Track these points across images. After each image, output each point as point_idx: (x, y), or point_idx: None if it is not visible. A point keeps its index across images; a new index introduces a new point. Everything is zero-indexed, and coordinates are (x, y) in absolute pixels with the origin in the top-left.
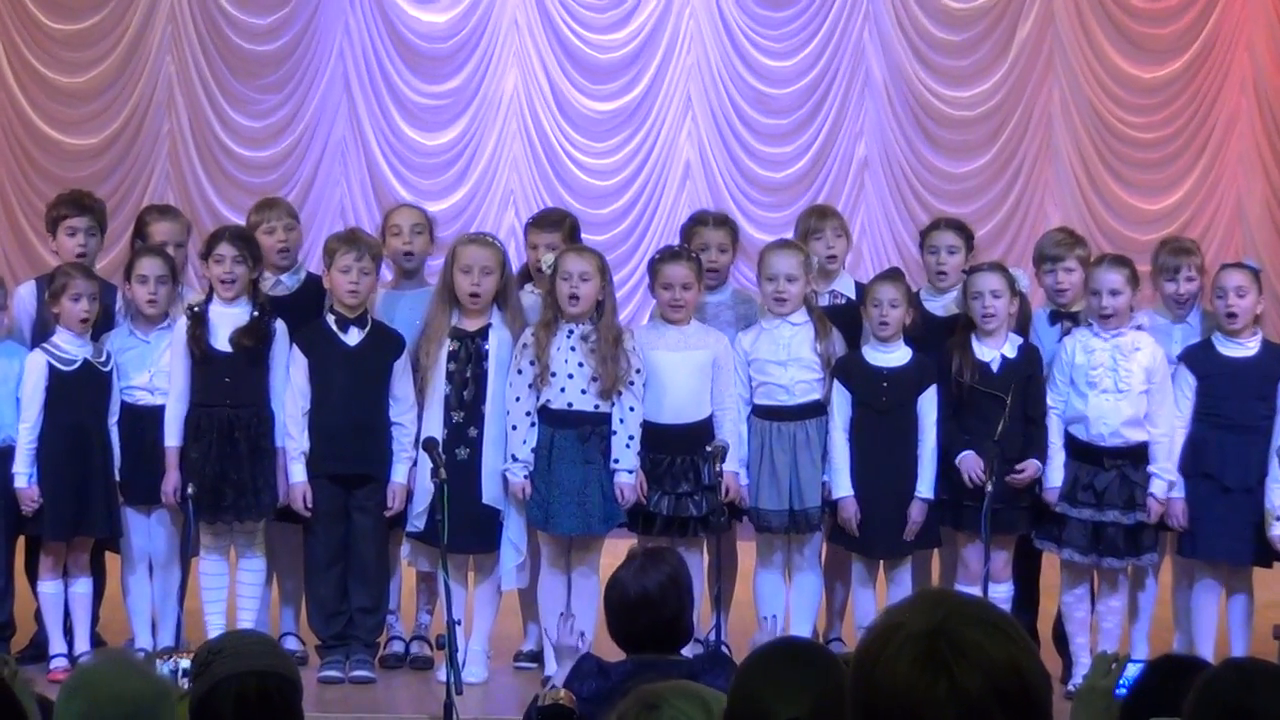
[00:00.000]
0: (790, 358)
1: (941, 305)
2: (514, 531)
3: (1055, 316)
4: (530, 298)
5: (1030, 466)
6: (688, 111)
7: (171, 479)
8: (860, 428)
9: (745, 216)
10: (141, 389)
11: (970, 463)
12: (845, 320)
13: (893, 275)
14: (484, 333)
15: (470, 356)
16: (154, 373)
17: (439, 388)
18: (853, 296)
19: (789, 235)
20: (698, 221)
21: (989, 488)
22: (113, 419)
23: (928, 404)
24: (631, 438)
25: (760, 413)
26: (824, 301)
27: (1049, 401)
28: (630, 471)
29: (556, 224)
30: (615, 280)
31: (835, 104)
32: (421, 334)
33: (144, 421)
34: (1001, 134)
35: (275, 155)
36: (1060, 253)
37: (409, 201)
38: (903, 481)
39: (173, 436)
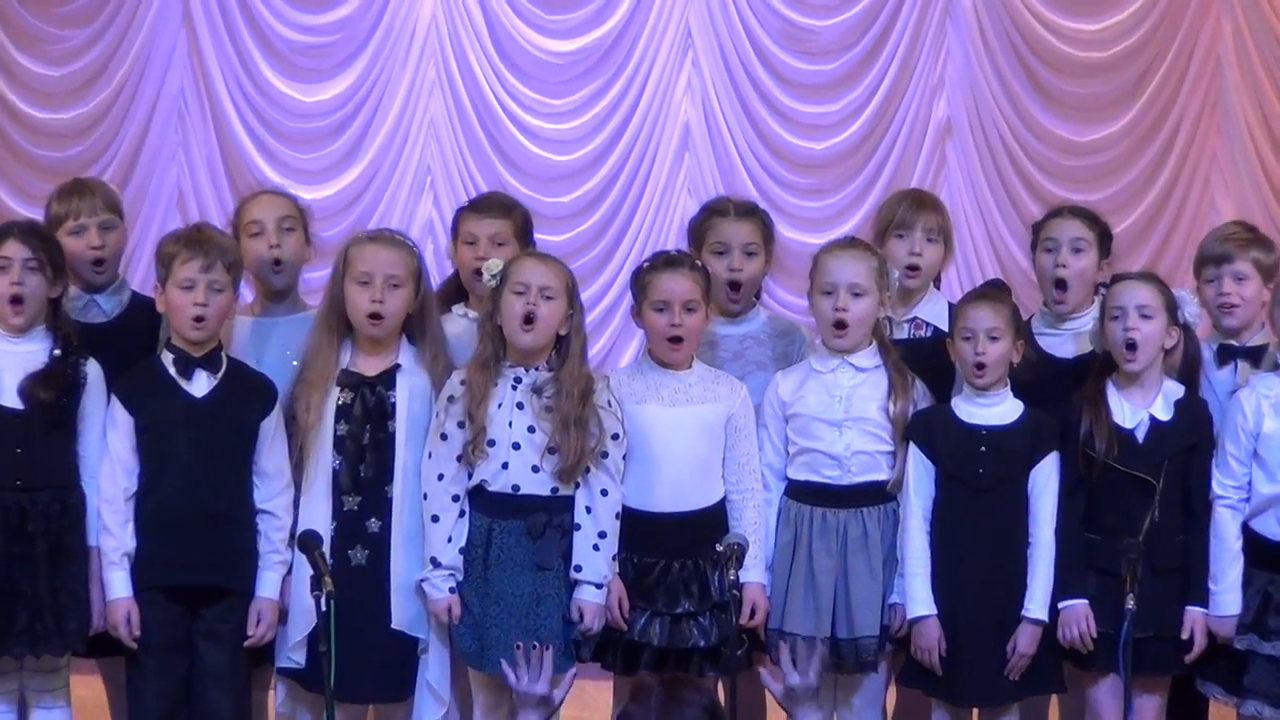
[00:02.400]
0: (848, 416)
1: (1066, 339)
2: (435, 671)
3: (1225, 354)
4: (460, 324)
5: (1194, 621)
6: (687, 52)
7: None
8: (946, 514)
9: (771, 207)
10: None
11: (1076, 618)
12: (931, 362)
13: (992, 294)
14: (389, 377)
15: (369, 413)
16: None
17: (324, 459)
18: (943, 327)
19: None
20: (713, 211)
21: (1129, 605)
22: None
23: (1044, 481)
24: (603, 535)
25: (797, 492)
26: (900, 335)
27: (1216, 487)
28: (599, 585)
29: (506, 209)
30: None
31: (903, 42)
32: (297, 379)
33: None
34: (1147, 85)
35: (82, 118)
36: (1228, 251)
37: (276, 186)
38: (1006, 594)
39: None
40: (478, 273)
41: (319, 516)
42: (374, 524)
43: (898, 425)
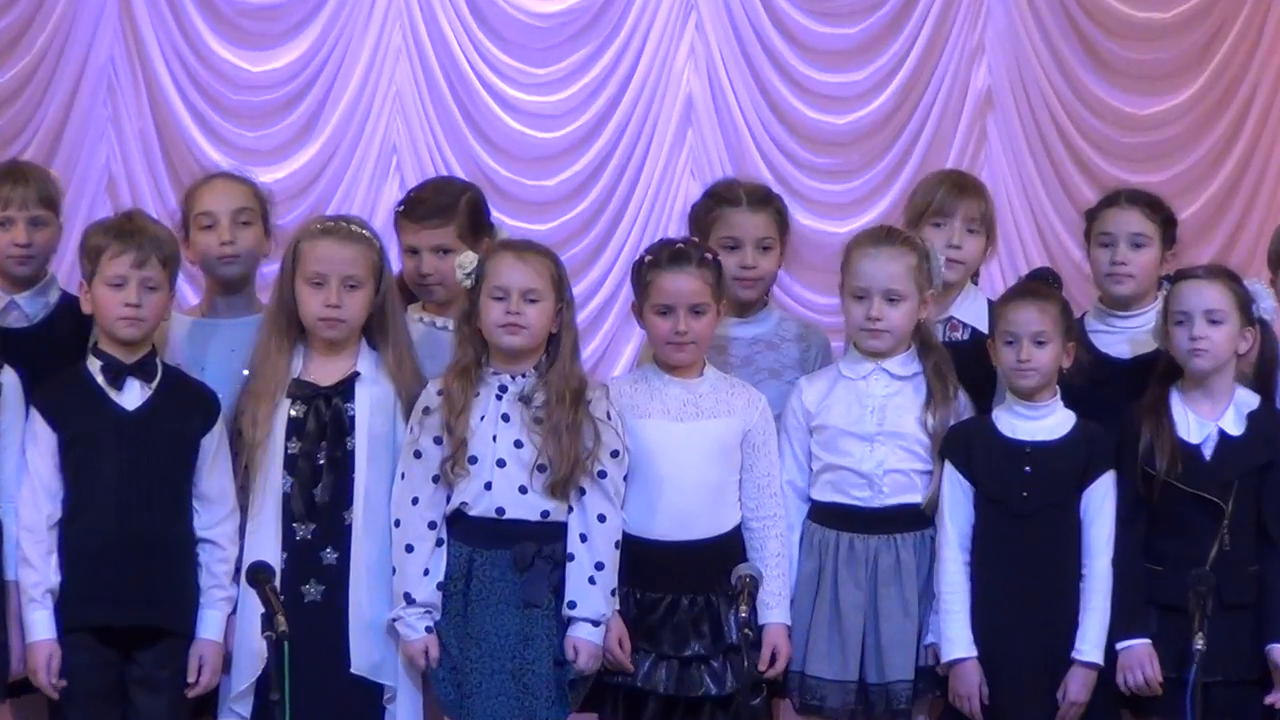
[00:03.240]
0: (881, 429)
1: (1123, 340)
2: None
3: None
4: (417, 330)
5: (1277, 660)
6: (690, 13)
7: None
8: (987, 543)
9: (787, 191)
10: None
11: (1139, 661)
12: (968, 368)
13: (1038, 290)
14: (347, 387)
15: (325, 428)
16: None
17: (273, 480)
18: (982, 328)
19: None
20: (721, 198)
21: (1199, 645)
22: None
23: (1098, 504)
24: (600, 566)
25: (821, 515)
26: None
27: None
28: (596, 623)
29: (443, 211)
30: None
31: (936, 1)
32: (243, 390)
33: None
34: (1215, 51)
35: None
36: None
37: (232, 169)
38: (1055, 634)
39: None
40: (422, 285)
41: (268, 546)
42: (330, 555)
43: (936, 440)
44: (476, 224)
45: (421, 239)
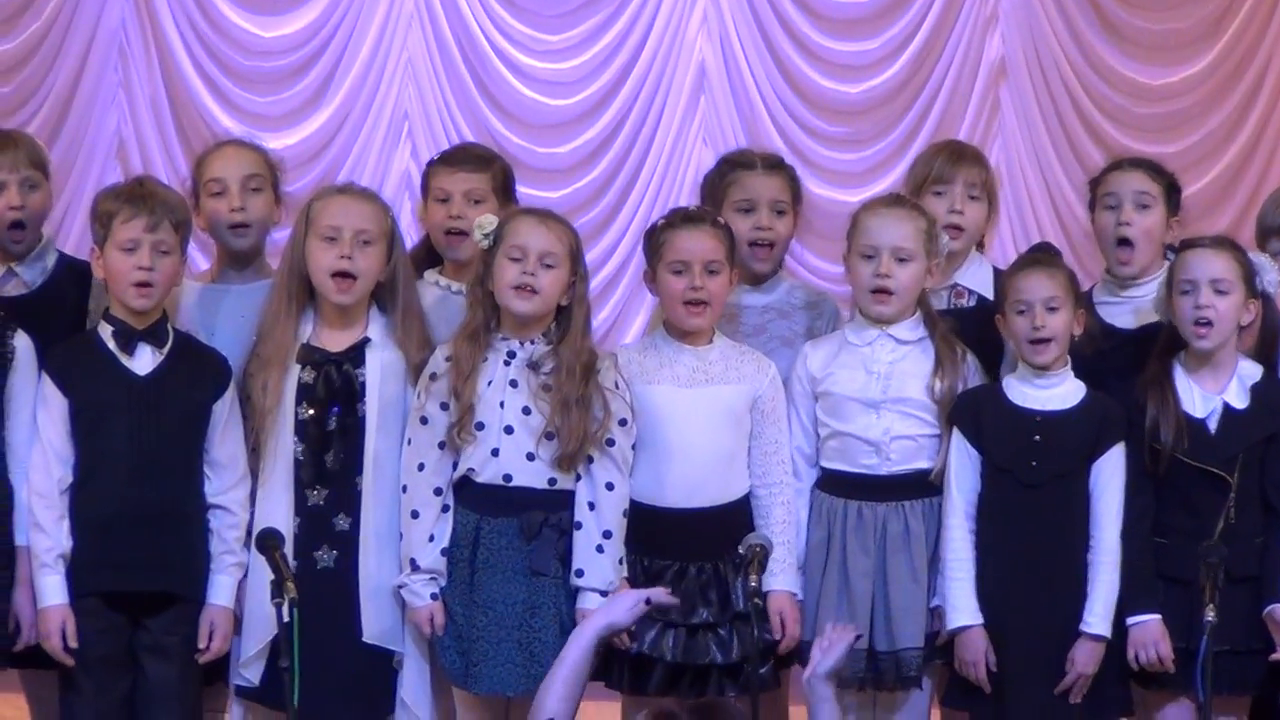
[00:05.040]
0: (888, 396)
1: (1128, 310)
2: (413, 688)
3: None
4: (433, 293)
5: (1276, 620)
6: None
7: None
8: (994, 512)
9: (799, 160)
10: None
11: (1151, 638)
12: (974, 334)
13: (1044, 259)
14: (357, 353)
15: (335, 394)
16: None
17: (284, 446)
18: (988, 295)
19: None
20: (734, 164)
21: (1209, 617)
22: None
23: (1108, 475)
24: (608, 535)
25: (829, 483)
26: (939, 304)
27: None
28: (604, 593)
29: (482, 161)
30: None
31: None
32: (251, 355)
33: None
34: (1230, 20)
35: (6, 56)
36: None
37: (242, 136)
38: (1063, 605)
39: None
40: (450, 233)
41: (279, 512)
42: (342, 521)
43: (943, 406)
44: (506, 184)
45: (455, 183)
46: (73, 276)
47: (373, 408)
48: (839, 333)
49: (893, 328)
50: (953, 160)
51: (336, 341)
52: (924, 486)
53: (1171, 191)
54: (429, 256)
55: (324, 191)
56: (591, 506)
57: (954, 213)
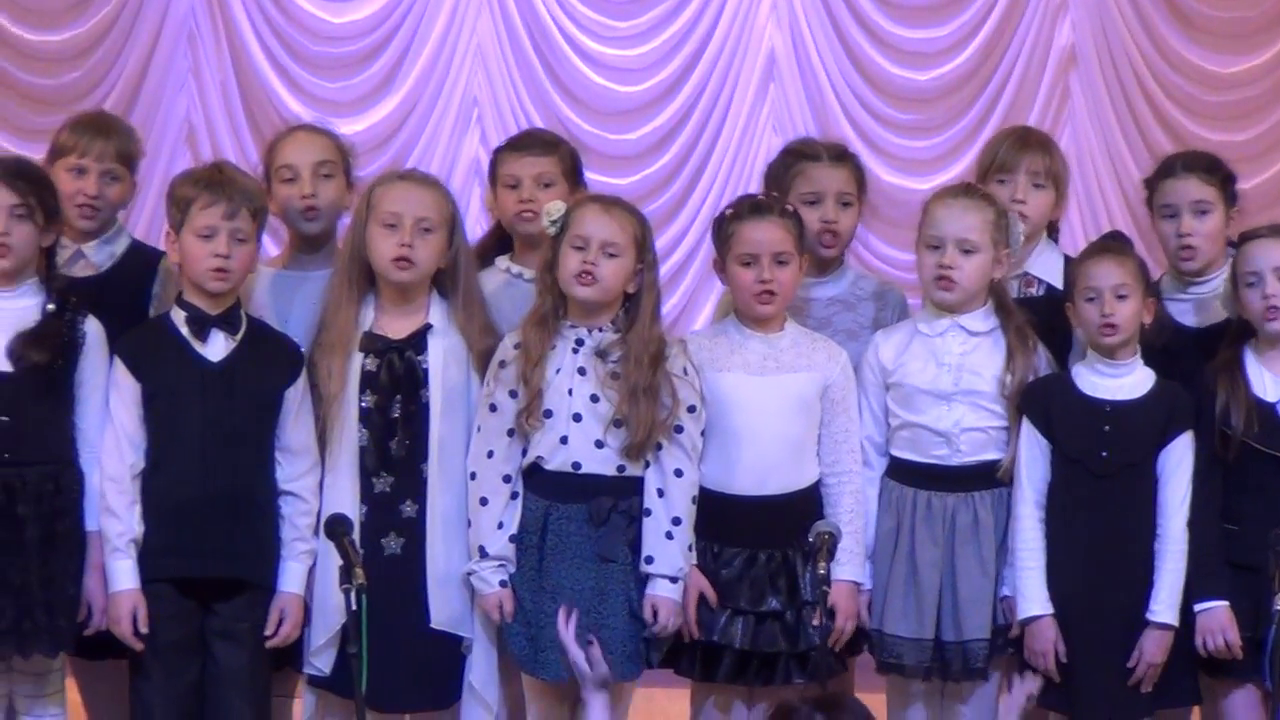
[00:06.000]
0: (959, 388)
1: (1191, 307)
2: (482, 674)
3: None
4: (500, 279)
5: None
6: None
7: None
8: (1064, 501)
9: (869, 147)
10: None
11: (1219, 625)
12: (1044, 323)
13: (1114, 247)
14: (419, 339)
15: (399, 382)
16: None
17: (349, 433)
18: (1058, 284)
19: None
20: (800, 155)
21: (1279, 605)
22: None
23: (1175, 463)
24: (678, 521)
25: (899, 473)
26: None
27: None
28: (674, 579)
29: (550, 145)
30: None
31: None
32: (314, 342)
33: None
34: None
35: (77, 40)
36: None
37: (308, 121)
38: (1132, 594)
39: None
40: (520, 216)
41: (345, 500)
42: (409, 507)
43: (1013, 400)
44: (574, 168)
45: (524, 167)
46: (140, 262)
47: (436, 394)
48: (909, 322)
49: (963, 318)
50: (1017, 148)
51: (398, 328)
52: (993, 477)
53: (1227, 184)
54: (499, 243)
55: (385, 177)
56: (661, 493)
57: (1016, 201)
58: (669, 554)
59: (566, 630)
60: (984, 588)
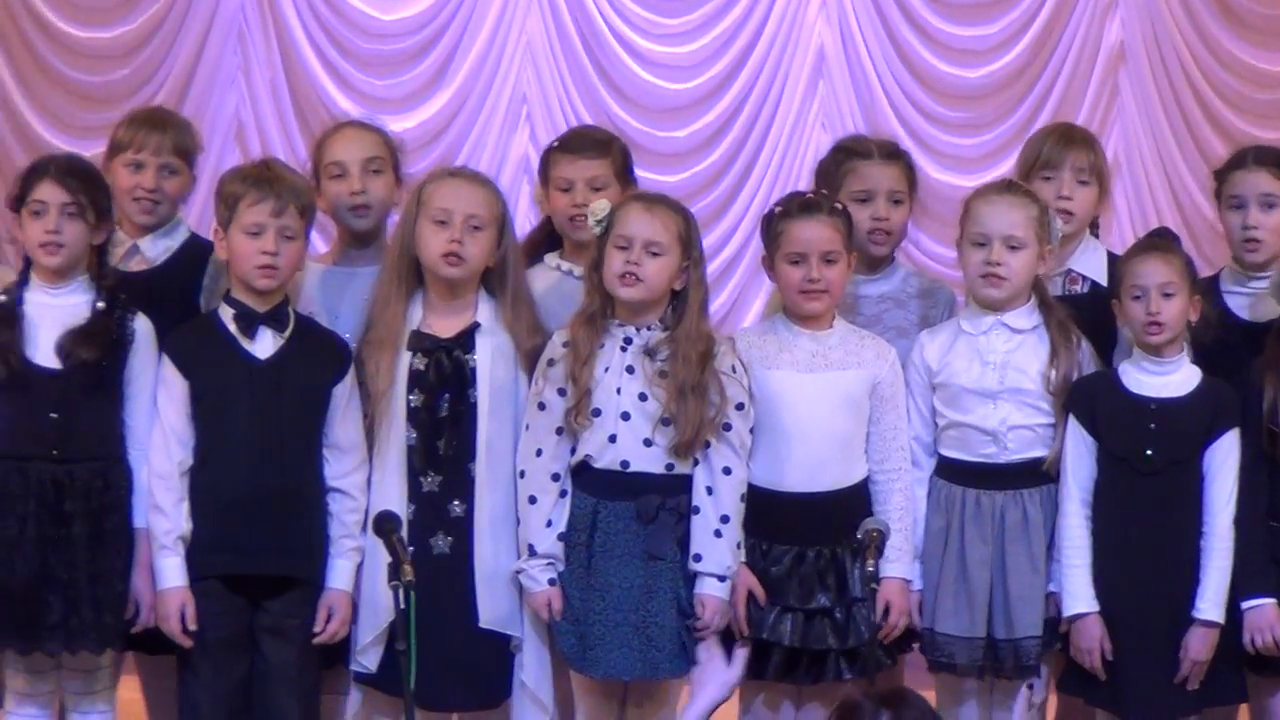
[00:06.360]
0: (1004, 386)
1: (1249, 302)
2: (533, 672)
3: None
4: (550, 277)
5: None
6: None
7: None
8: (1109, 499)
9: (918, 145)
10: None
11: (1267, 622)
12: (1088, 321)
13: (1161, 245)
14: (467, 338)
15: (446, 380)
16: None
17: (397, 432)
18: (1102, 281)
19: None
20: (851, 152)
21: None
22: None
23: (1221, 461)
24: (726, 519)
25: (948, 471)
26: (1053, 290)
27: None
28: (722, 577)
29: (602, 146)
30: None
31: None
32: (362, 339)
33: None
34: None
35: (126, 37)
36: None
37: (357, 117)
38: (1178, 591)
39: None
40: (573, 220)
41: (394, 497)
42: (457, 507)
43: (1059, 396)
44: (626, 167)
45: (578, 170)
46: (193, 256)
47: (484, 393)
48: (953, 321)
49: (1007, 316)
50: (1061, 144)
51: (446, 327)
52: (1042, 474)
53: None
54: (549, 240)
55: (436, 174)
56: (709, 491)
57: (1062, 198)
58: (717, 552)
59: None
60: (1035, 585)
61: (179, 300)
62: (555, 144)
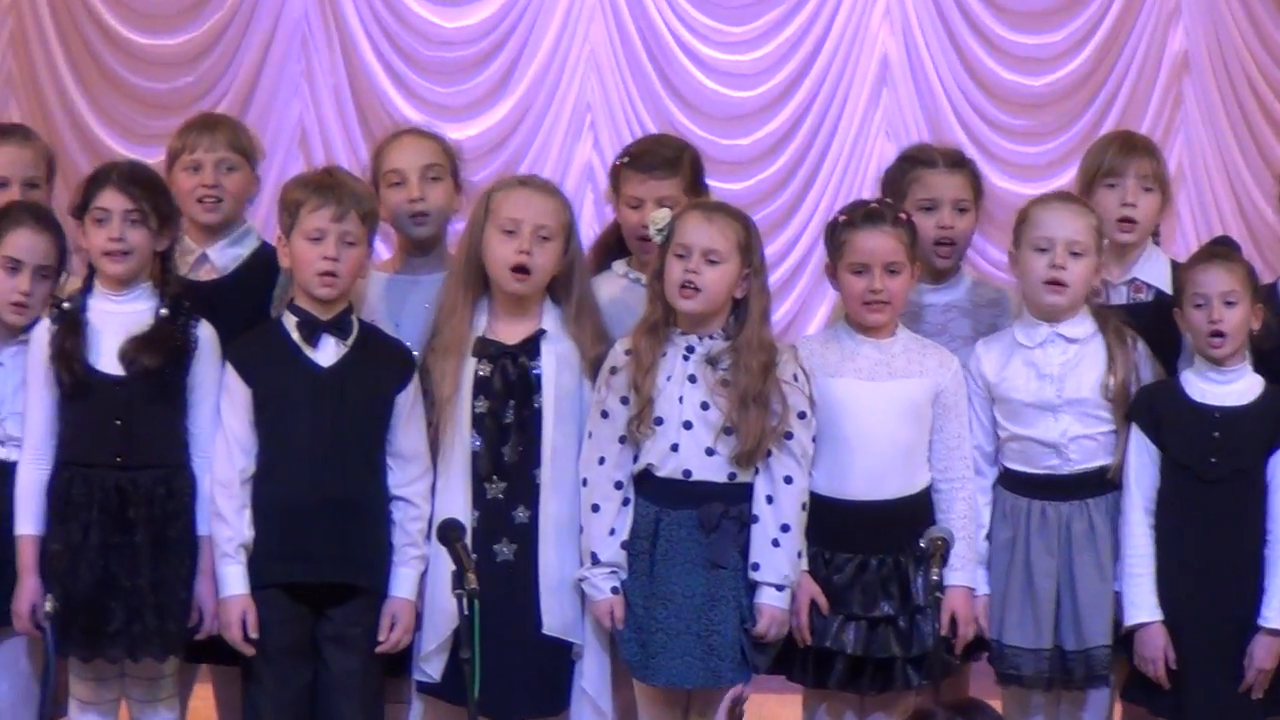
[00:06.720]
0: (1063, 399)
1: None
2: (594, 679)
3: None
4: (618, 285)
5: None
6: None
7: (26, 590)
8: (1173, 507)
9: (982, 153)
10: None
11: None
12: (1153, 329)
13: (1223, 253)
14: (532, 345)
15: (511, 387)
16: (7, 416)
17: (462, 438)
18: (1166, 290)
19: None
20: (916, 161)
21: None
22: None
23: None
24: (786, 529)
25: (1013, 483)
26: (1118, 299)
27: None
28: (780, 587)
29: (670, 164)
30: (767, 260)
31: None
32: (427, 346)
33: None
34: None
35: (191, 45)
36: None
37: (418, 124)
38: (1242, 600)
39: (26, 519)
40: (643, 238)
41: (458, 505)
42: (521, 513)
43: (1118, 402)
44: (698, 181)
45: (648, 189)
46: (264, 264)
47: (549, 400)
48: (1008, 332)
49: (1061, 326)
50: (1124, 152)
51: (511, 334)
52: (1106, 482)
53: None
54: (618, 245)
55: (505, 183)
56: (769, 500)
57: (1126, 205)
58: (775, 561)
59: None
60: (1103, 594)
61: (249, 308)
62: (626, 158)
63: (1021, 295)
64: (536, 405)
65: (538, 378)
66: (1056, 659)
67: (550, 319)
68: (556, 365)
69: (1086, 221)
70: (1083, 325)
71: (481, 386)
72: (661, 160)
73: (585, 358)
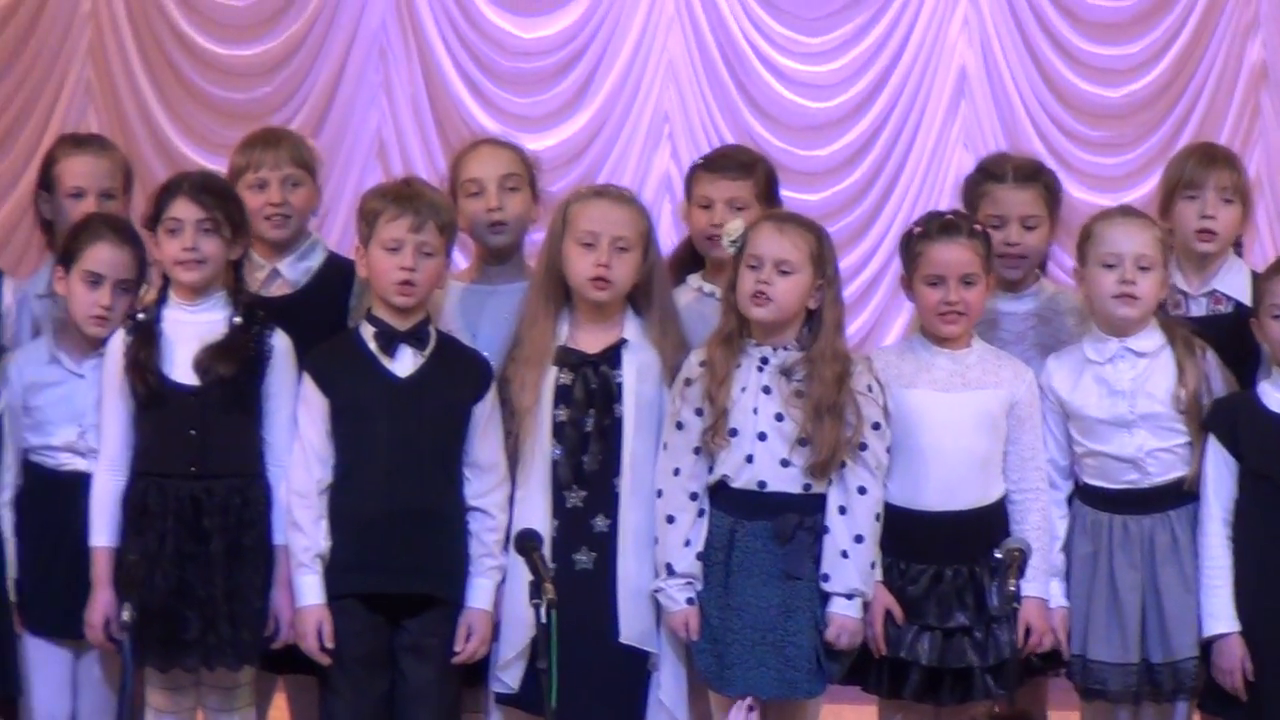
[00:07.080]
0: (1137, 414)
1: None
2: (671, 690)
3: None
4: (691, 297)
5: None
6: None
7: (100, 602)
8: (1251, 518)
9: (1059, 164)
10: (65, 450)
11: None
12: (1233, 341)
13: None
14: (614, 354)
15: (592, 396)
16: (88, 426)
17: (542, 448)
18: (1246, 301)
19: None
20: (989, 174)
21: None
22: (4, 495)
23: None
24: (860, 539)
25: (1092, 498)
26: (1197, 310)
27: None
28: (850, 597)
29: (745, 168)
30: (841, 271)
31: None
32: (508, 357)
33: (67, 503)
34: None
35: (269, 55)
36: None
37: (495, 135)
38: None
39: (100, 531)
40: (710, 239)
41: (537, 514)
42: (601, 522)
43: (1191, 412)
44: (770, 191)
45: (719, 190)
46: (337, 275)
47: (630, 409)
48: (1078, 348)
49: (1131, 340)
50: (1204, 164)
51: (593, 343)
52: (1186, 493)
53: None
54: (693, 258)
55: (582, 194)
56: (842, 510)
57: (1206, 217)
58: (844, 572)
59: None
60: (1189, 605)
61: (325, 320)
62: (701, 161)
63: (1090, 310)
64: (617, 414)
65: (619, 386)
66: (1143, 672)
67: (631, 328)
68: (637, 374)
69: (1152, 234)
70: (1151, 338)
71: (562, 395)
72: (735, 163)
73: (667, 366)
